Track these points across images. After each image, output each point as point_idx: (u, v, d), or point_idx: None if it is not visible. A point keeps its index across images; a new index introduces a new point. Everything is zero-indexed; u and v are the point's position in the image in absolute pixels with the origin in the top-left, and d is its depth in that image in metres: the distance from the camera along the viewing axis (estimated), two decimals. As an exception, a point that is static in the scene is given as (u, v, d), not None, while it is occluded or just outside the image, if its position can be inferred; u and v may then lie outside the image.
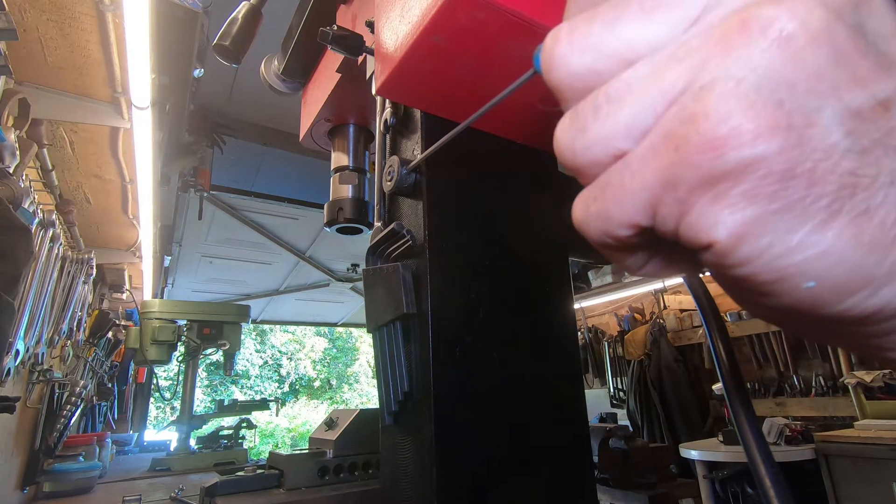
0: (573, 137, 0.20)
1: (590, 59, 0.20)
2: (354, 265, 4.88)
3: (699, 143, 0.17)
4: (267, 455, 1.85)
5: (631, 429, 3.39)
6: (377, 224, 0.74)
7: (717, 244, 0.17)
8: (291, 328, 14.85)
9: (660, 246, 0.21)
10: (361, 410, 1.77)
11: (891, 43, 0.17)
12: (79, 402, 2.70)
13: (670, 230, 0.19)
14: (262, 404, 3.64)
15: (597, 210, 0.20)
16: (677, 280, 4.66)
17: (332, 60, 0.89)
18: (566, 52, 0.20)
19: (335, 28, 0.71)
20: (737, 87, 0.16)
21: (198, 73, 1.83)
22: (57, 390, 2.72)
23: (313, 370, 15.58)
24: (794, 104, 0.16)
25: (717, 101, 0.17)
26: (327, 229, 1.01)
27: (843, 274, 0.16)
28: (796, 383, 4.27)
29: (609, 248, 0.21)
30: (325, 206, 0.99)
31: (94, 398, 3.58)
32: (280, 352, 15.26)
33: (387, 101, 0.75)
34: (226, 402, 3.47)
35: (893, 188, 0.16)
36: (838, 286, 0.17)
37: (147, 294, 4.16)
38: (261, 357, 14.85)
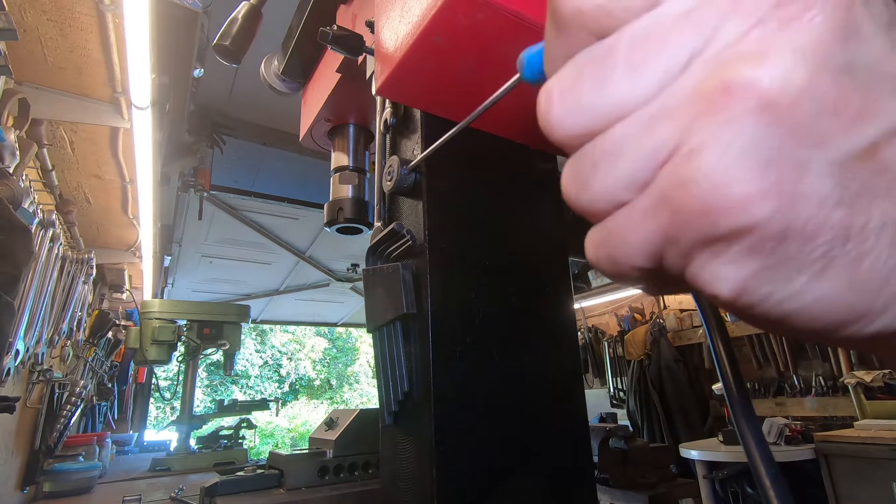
0: (578, 192, 0.22)
1: (585, 122, 0.21)
2: (354, 265, 4.88)
3: (693, 209, 0.17)
4: (267, 455, 1.85)
5: (631, 429, 3.39)
6: (377, 224, 0.74)
7: (721, 296, 0.18)
8: (291, 328, 14.85)
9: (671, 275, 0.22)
10: (361, 410, 1.77)
11: (883, 63, 0.17)
12: (79, 402, 2.70)
13: (676, 275, 0.20)
14: (262, 404, 3.64)
15: (605, 255, 0.21)
16: (677, 280, 4.65)
17: (332, 60, 0.89)
18: (560, 116, 0.21)
19: (335, 28, 0.71)
20: (724, 155, 0.17)
21: (198, 73, 1.83)
22: (57, 390, 2.72)
23: (313, 370, 15.58)
24: (783, 163, 0.16)
25: (707, 169, 0.17)
26: (327, 229, 1.01)
27: (841, 312, 0.17)
28: (796, 383, 4.27)
29: (623, 282, 0.23)
30: (325, 206, 0.99)
31: (94, 398, 3.58)
32: (280, 352, 15.26)
33: (387, 101, 0.75)
34: (226, 402, 3.47)
35: (884, 230, 0.17)
36: (837, 321, 0.18)
37: (147, 294, 4.16)
38: (261, 357, 14.84)
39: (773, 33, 0.17)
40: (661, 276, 0.21)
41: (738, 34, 0.17)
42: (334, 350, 16.22)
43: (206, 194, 2.94)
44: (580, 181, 0.21)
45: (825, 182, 0.16)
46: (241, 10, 0.97)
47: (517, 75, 0.27)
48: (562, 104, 0.21)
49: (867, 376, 3.47)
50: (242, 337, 3.95)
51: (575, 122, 0.21)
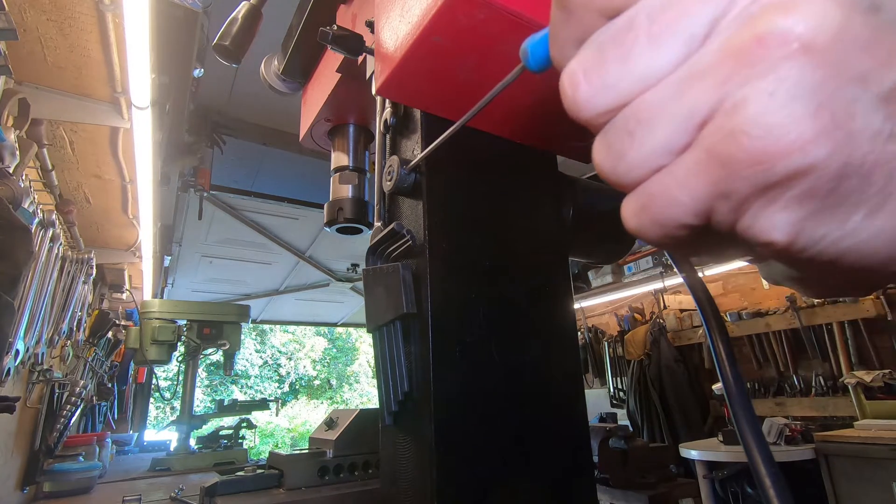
0: (615, 163, 0.22)
1: (613, 97, 0.21)
2: (354, 265, 4.88)
3: (746, 159, 0.17)
4: (267, 455, 1.85)
5: (631, 429, 3.39)
6: (377, 224, 0.74)
7: (776, 243, 0.18)
8: (291, 328, 14.85)
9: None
10: (361, 410, 1.77)
11: None
12: (79, 402, 2.70)
13: (726, 229, 0.20)
14: (262, 404, 3.64)
15: (650, 218, 0.21)
16: (677, 280, 4.66)
17: (332, 60, 0.89)
18: (588, 95, 0.21)
19: (335, 28, 0.71)
20: (771, 100, 0.17)
21: (198, 73, 1.83)
22: (57, 390, 2.72)
23: (313, 370, 15.58)
24: (832, 103, 0.16)
25: (756, 118, 0.17)
26: (327, 229, 1.01)
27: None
28: (796, 383, 4.27)
29: (667, 244, 0.22)
30: (325, 206, 0.99)
31: (94, 398, 3.58)
32: (280, 352, 15.26)
33: (387, 101, 0.75)
34: (226, 402, 3.47)
35: None
36: (891, 256, 0.18)
37: (147, 294, 4.16)
38: (261, 357, 14.85)
39: None
40: (707, 235, 0.21)
41: None
42: (334, 350, 16.22)
43: (206, 194, 2.94)
44: (615, 152, 0.21)
45: (875, 117, 0.16)
46: (241, 10, 0.97)
47: (520, 65, 0.27)
48: (588, 83, 0.21)
49: (867, 376, 3.47)
50: (242, 337, 3.95)
51: (603, 99, 0.21)
